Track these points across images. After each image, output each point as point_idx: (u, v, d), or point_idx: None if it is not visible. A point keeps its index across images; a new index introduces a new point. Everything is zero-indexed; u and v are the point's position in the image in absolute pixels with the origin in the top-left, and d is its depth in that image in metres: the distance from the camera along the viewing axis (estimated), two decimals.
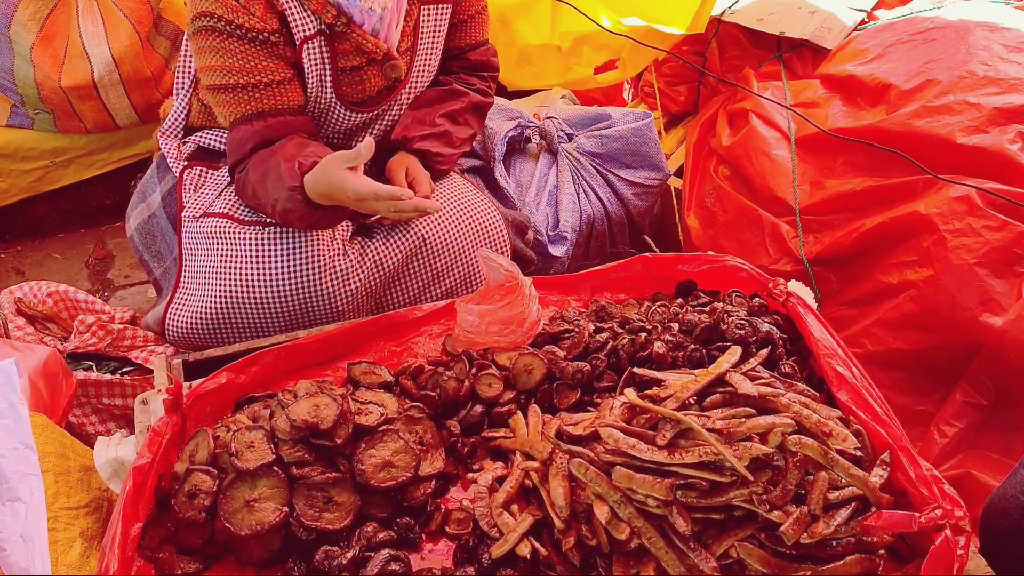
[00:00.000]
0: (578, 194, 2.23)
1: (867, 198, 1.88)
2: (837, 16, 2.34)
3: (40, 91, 2.29)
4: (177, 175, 1.86)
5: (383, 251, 1.75)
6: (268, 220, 1.70)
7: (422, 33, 1.79)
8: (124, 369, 1.80)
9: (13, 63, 2.27)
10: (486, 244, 1.86)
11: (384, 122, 1.86)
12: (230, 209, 1.76)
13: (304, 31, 1.63)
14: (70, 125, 2.39)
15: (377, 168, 1.85)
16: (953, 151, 1.79)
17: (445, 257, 1.81)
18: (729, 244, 2.12)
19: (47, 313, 1.86)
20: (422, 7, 1.77)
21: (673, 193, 2.42)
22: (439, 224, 1.80)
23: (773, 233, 2.00)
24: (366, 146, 1.47)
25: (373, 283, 1.74)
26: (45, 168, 2.49)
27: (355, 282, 1.70)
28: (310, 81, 1.69)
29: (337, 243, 1.71)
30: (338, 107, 1.75)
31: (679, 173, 2.48)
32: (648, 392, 1.21)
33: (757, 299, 1.49)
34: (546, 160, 2.27)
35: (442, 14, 1.81)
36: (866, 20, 2.31)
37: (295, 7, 1.61)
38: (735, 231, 2.12)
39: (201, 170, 1.86)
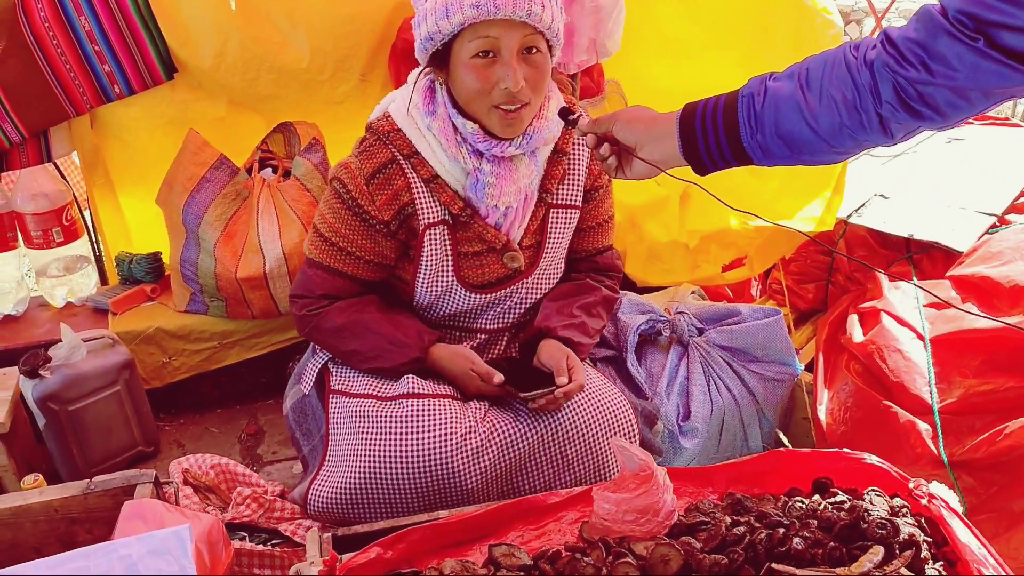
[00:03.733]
0: (708, 385, 2.27)
1: (1009, 401, 1.84)
2: (967, 220, 2.38)
3: (218, 282, 2.56)
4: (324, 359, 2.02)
5: (514, 433, 1.83)
6: (407, 393, 1.82)
7: (550, 233, 1.96)
8: (273, 541, 1.91)
9: (198, 257, 2.57)
10: (616, 433, 1.91)
11: (505, 306, 2.00)
12: (372, 389, 1.89)
13: (429, 218, 1.84)
14: (239, 311, 2.64)
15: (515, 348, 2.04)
16: None
17: (577, 446, 1.87)
18: (862, 441, 2.09)
19: (209, 484, 2.01)
20: (550, 209, 1.94)
21: (804, 387, 2.43)
22: (571, 413, 1.88)
23: (910, 433, 1.97)
24: (497, 377, 1.81)
25: (503, 464, 1.81)
26: (213, 349, 2.74)
27: (485, 460, 1.78)
28: (431, 263, 1.87)
29: (468, 418, 1.80)
30: (459, 288, 1.91)
31: (810, 367, 2.49)
32: None
33: (898, 499, 1.47)
34: (677, 352, 2.33)
35: (570, 218, 1.98)
36: (997, 224, 2.34)
37: (425, 196, 1.83)
38: (869, 428, 2.10)
39: None
